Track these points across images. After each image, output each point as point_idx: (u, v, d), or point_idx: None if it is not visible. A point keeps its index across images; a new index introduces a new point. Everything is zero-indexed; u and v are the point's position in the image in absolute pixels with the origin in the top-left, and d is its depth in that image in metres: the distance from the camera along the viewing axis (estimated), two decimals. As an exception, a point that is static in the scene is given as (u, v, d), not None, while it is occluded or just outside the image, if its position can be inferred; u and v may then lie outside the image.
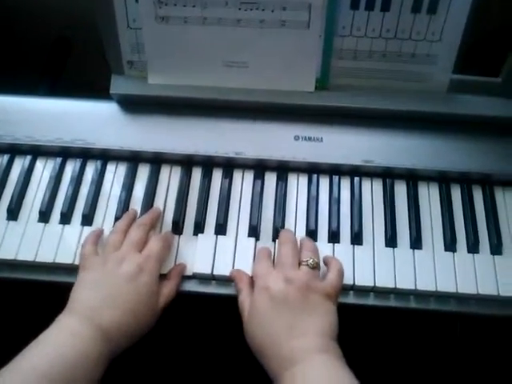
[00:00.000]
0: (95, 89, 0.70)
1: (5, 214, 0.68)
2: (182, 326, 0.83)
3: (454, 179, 0.70)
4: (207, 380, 0.86)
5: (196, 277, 0.64)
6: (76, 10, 0.80)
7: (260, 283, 0.58)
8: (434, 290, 0.62)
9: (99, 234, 0.64)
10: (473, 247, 0.65)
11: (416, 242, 0.65)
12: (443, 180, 0.70)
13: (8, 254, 0.64)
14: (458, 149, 0.70)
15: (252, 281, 0.61)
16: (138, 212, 0.68)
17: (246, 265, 0.63)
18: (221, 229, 0.66)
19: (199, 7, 0.63)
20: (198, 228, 0.66)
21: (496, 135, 0.70)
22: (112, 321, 0.55)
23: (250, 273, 0.63)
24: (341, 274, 0.60)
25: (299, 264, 0.59)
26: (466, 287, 0.62)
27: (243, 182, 0.70)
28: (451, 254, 0.65)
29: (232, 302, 0.61)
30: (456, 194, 0.70)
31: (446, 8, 0.63)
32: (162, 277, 0.62)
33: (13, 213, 0.67)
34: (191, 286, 0.64)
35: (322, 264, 0.62)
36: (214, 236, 0.66)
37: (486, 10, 0.67)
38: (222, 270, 0.63)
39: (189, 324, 0.87)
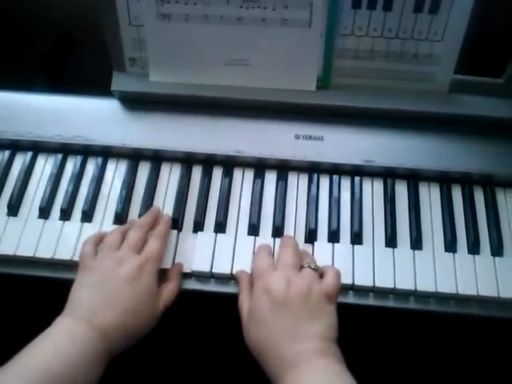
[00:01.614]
0: (97, 85, 0.70)
1: (5, 210, 0.68)
2: (180, 324, 0.83)
3: (455, 180, 0.70)
4: (206, 379, 0.86)
5: (195, 275, 0.64)
6: (79, 7, 0.80)
7: (260, 284, 0.58)
8: (433, 290, 0.62)
9: (102, 236, 0.63)
10: (473, 248, 0.65)
11: (416, 243, 0.65)
12: (444, 180, 0.70)
13: (8, 250, 0.64)
14: (460, 149, 0.69)
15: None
16: (138, 209, 0.68)
17: (245, 263, 0.63)
18: (220, 227, 0.66)
19: (201, 5, 0.63)
20: (198, 226, 0.66)
21: (498, 136, 0.70)
22: (110, 322, 0.54)
23: (250, 271, 0.62)
24: (338, 274, 0.59)
25: (301, 267, 0.59)
26: (466, 288, 0.62)
27: (243, 181, 0.70)
28: (451, 254, 0.64)
29: (231, 300, 0.61)
30: (457, 194, 0.69)
31: (447, 8, 0.62)
32: (161, 272, 0.61)
33: (13, 208, 0.67)
34: (190, 284, 0.64)
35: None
36: (214, 234, 0.66)
37: (489, 11, 0.67)
38: (222, 268, 0.63)
39: (187, 322, 0.87)
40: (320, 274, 0.59)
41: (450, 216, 0.67)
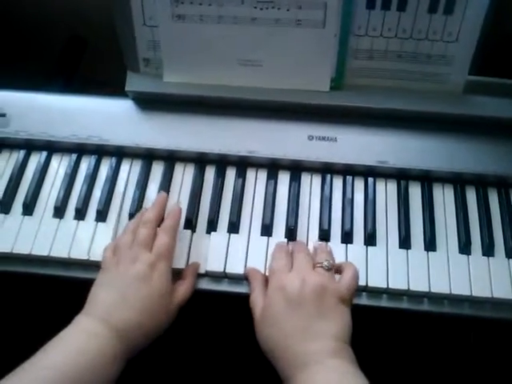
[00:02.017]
0: (111, 86, 0.71)
1: (20, 209, 0.68)
2: (193, 323, 0.83)
3: (469, 181, 0.69)
4: (217, 378, 0.86)
5: (208, 274, 0.64)
6: (92, 8, 0.80)
7: (275, 282, 0.57)
8: (447, 292, 0.61)
9: None
10: (488, 250, 0.64)
11: (430, 244, 0.65)
12: (458, 182, 0.69)
13: (23, 249, 0.65)
14: (474, 151, 0.69)
15: (266, 279, 0.61)
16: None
17: (258, 263, 0.63)
18: (234, 227, 0.66)
19: (215, 5, 0.64)
20: (211, 226, 0.66)
21: (512, 137, 0.69)
22: (126, 321, 0.55)
23: (263, 271, 0.62)
24: (356, 276, 0.59)
25: (314, 267, 0.59)
26: (481, 290, 0.61)
27: (256, 181, 0.70)
28: (466, 256, 0.64)
29: (244, 300, 0.61)
30: (471, 196, 0.69)
31: (462, 9, 0.62)
32: (175, 272, 0.61)
33: (28, 208, 0.68)
34: (203, 284, 0.64)
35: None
36: (227, 234, 0.66)
37: (505, 12, 0.67)
38: (235, 268, 0.63)
39: (200, 322, 0.87)
40: (336, 269, 0.59)
41: (464, 217, 0.67)
